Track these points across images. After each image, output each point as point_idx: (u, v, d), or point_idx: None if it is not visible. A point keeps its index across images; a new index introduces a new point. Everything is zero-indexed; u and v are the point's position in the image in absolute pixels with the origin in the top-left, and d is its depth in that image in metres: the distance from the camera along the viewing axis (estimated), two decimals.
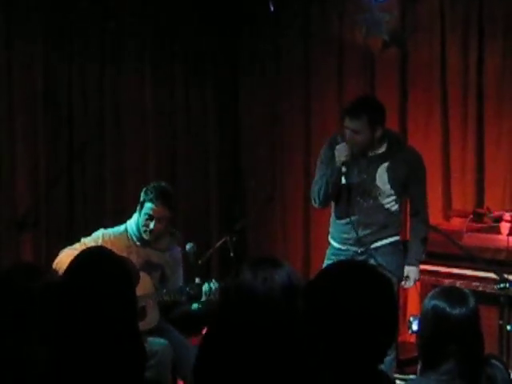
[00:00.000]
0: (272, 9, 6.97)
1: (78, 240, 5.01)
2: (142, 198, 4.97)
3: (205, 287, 4.93)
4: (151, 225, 4.92)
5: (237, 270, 4.42)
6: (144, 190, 4.98)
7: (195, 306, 5.03)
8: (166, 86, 7.32)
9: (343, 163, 4.91)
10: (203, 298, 4.94)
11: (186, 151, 7.44)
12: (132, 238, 5.00)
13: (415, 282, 5.14)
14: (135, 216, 5.04)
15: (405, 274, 5.07)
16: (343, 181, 4.94)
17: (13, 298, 2.90)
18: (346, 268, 2.27)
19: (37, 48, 6.53)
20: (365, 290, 2.12)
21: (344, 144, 4.92)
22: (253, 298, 2.30)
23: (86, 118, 6.83)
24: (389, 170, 4.99)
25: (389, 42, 6.71)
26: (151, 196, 4.90)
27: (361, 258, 5.01)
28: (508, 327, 4.90)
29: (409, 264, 5.09)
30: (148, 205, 4.91)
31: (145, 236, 4.97)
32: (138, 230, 4.98)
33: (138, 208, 5.00)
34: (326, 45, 7.16)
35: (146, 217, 4.92)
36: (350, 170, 4.96)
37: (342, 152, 4.91)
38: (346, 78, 7.06)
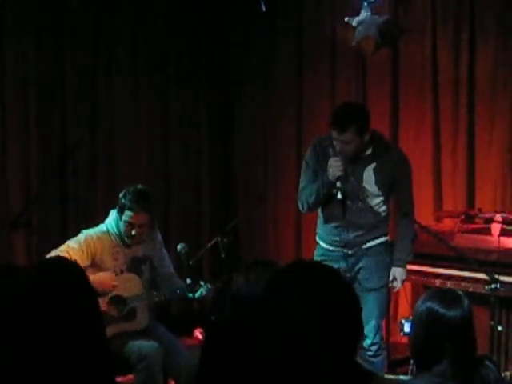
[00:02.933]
0: (264, 9, 6.97)
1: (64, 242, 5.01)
2: (121, 202, 4.91)
3: (203, 285, 4.95)
4: (133, 232, 4.90)
5: (228, 274, 4.42)
6: (122, 193, 4.92)
7: (190, 295, 5.02)
8: (159, 86, 7.31)
9: (338, 178, 4.91)
10: (197, 294, 4.96)
11: (178, 152, 7.44)
12: (115, 238, 4.98)
13: (402, 282, 5.14)
14: (114, 215, 4.99)
15: (391, 276, 5.06)
16: (339, 196, 4.93)
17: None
18: (296, 268, 2.25)
19: (29, 46, 6.53)
20: (310, 284, 2.11)
21: (337, 159, 4.89)
22: (245, 299, 2.29)
23: (78, 117, 6.82)
24: (375, 171, 4.99)
25: (381, 43, 6.71)
26: (130, 204, 4.85)
27: (351, 258, 5.02)
28: (499, 327, 4.92)
29: (395, 265, 5.08)
30: (128, 213, 4.86)
31: (127, 241, 4.96)
32: (119, 230, 4.96)
33: (117, 209, 4.95)
34: (318, 47, 7.17)
35: (127, 224, 4.89)
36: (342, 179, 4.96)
37: (336, 167, 4.89)
38: (338, 80, 7.07)
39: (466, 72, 6.42)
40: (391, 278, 5.06)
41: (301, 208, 5.16)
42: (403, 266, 5.08)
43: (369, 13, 6.66)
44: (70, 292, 2.32)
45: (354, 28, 6.77)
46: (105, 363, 2.29)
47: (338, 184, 4.91)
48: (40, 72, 6.61)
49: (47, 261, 2.49)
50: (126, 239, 4.95)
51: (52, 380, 2.21)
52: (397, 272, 5.06)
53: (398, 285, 5.10)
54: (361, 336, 2.17)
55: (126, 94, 7.11)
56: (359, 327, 2.14)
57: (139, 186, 4.99)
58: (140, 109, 7.20)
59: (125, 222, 4.90)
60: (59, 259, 2.54)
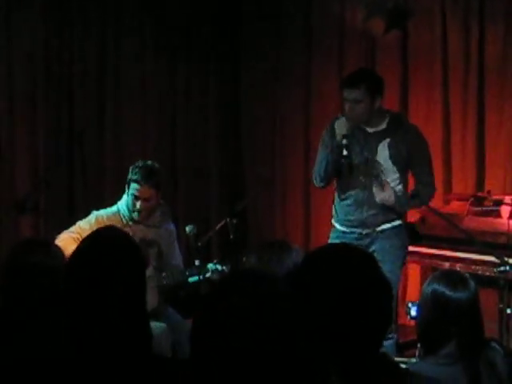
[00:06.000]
0: None
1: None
2: (128, 178, 4.97)
3: (210, 266, 4.96)
4: (137, 205, 4.93)
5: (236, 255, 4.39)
6: (131, 168, 4.97)
7: (195, 278, 5.03)
8: (167, 67, 7.29)
9: (344, 136, 4.90)
10: (206, 275, 4.97)
11: (185, 134, 7.43)
12: (125, 217, 5.01)
13: (383, 199, 4.99)
14: (124, 196, 5.04)
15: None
16: (345, 152, 4.92)
17: (31, 273, 2.91)
18: (329, 251, 2.21)
19: (37, 31, 6.52)
20: (351, 270, 2.07)
21: (343, 119, 4.93)
22: (257, 279, 2.26)
23: (85, 102, 6.82)
24: (390, 146, 5.00)
25: (390, 25, 6.67)
26: (136, 176, 4.90)
27: (365, 240, 5.01)
28: (508, 310, 4.90)
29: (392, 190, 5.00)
30: (133, 185, 4.92)
31: (134, 216, 4.98)
32: (129, 210, 4.99)
33: (126, 188, 5.00)
34: (326, 28, 7.13)
35: (133, 197, 4.94)
36: (352, 148, 4.95)
37: (341, 126, 4.92)
38: (347, 63, 7.02)
39: (476, 54, 6.38)
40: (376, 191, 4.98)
41: (314, 181, 5.20)
42: (392, 196, 4.96)
43: None
44: (122, 261, 2.36)
45: (363, 9, 6.74)
46: (145, 335, 2.34)
47: (345, 141, 4.90)
48: (48, 57, 6.60)
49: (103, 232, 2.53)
50: (133, 214, 4.97)
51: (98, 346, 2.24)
52: (385, 191, 4.97)
53: (381, 195, 4.99)
54: (389, 325, 2.13)
55: (134, 77, 7.09)
56: (390, 316, 2.10)
57: (148, 162, 5.02)
58: (147, 92, 7.18)
59: (131, 194, 4.94)
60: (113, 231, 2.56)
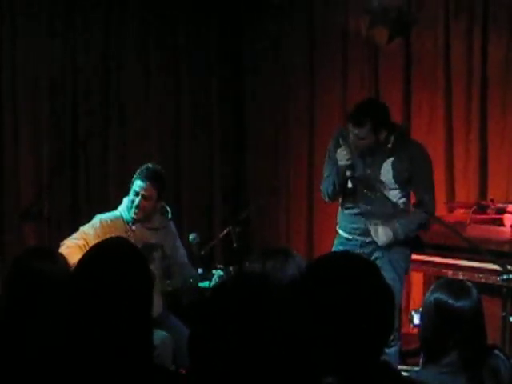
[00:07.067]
0: None
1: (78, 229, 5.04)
2: (134, 177, 5.03)
3: (217, 272, 4.98)
4: (136, 200, 4.96)
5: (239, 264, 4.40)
6: (139, 169, 5.04)
7: (206, 283, 5.04)
8: (169, 68, 7.31)
9: (346, 167, 4.93)
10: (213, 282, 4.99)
11: (189, 142, 7.43)
12: (127, 222, 5.03)
13: (381, 241, 5.00)
14: (125, 200, 5.08)
15: (373, 231, 5.00)
16: (349, 185, 4.98)
17: (33, 281, 2.92)
18: (331, 259, 2.22)
19: (41, 35, 6.54)
20: (352, 278, 2.08)
21: (343, 148, 4.95)
22: (260, 285, 2.27)
23: (89, 108, 6.83)
24: (393, 165, 5.00)
25: (393, 33, 6.67)
26: (142, 174, 4.98)
27: (368, 247, 5.02)
28: (511, 318, 4.90)
29: (387, 227, 5.00)
30: (137, 182, 4.97)
31: (132, 214, 5.01)
32: (128, 209, 5.04)
33: (129, 189, 5.05)
34: (330, 36, 7.14)
35: (134, 193, 4.99)
36: (356, 165, 4.97)
37: (342, 157, 4.95)
38: (351, 71, 7.04)
39: (479, 61, 6.38)
40: (373, 233, 4.99)
41: (323, 197, 5.23)
42: (393, 232, 4.98)
43: (382, 2, 6.63)
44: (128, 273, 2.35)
45: (367, 17, 6.74)
46: (148, 346, 2.34)
47: (348, 173, 4.94)
48: (52, 62, 6.62)
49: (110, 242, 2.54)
50: (131, 211, 5.00)
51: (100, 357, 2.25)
52: (382, 229, 4.97)
53: (378, 241, 5.00)
54: (391, 333, 2.13)
55: (138, 83, 7.11)
56: (392, 324, 2.11)
57: (157, 166, 5.13)
58: (151, 99, 7.20)
59: (133, 190, 5.00)
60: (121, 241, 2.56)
